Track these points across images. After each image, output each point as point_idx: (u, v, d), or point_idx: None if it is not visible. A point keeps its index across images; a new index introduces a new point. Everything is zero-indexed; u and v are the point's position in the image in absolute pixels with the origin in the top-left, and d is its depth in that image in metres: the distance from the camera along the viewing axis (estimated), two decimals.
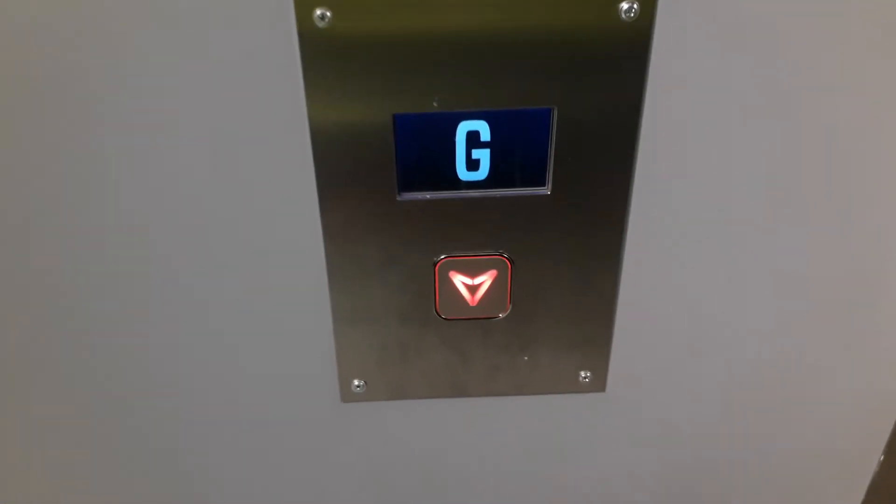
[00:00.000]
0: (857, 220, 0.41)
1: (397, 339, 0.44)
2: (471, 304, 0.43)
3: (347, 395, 0.46)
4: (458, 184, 0.39)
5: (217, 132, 0.37)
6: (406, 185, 0.39)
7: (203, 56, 0.35)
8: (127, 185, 0.38)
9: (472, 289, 0.42)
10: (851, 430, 0.50)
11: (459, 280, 0.42)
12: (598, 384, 0.46)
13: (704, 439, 0.50)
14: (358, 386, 0.46)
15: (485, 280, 0.42)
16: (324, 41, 0.34)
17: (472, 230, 0.40)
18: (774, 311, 0.44)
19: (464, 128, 0.37)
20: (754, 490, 0.52)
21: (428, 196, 0.39)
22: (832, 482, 0.53)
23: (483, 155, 0.38)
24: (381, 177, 0.38)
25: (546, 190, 0.39)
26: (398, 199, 0.39)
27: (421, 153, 0.38)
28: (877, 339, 0.46)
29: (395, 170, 0.38)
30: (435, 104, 0.36)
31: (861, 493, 0.53)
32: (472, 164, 0.38)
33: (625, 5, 0.33)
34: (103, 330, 0.43)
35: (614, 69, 0.35)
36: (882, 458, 0.51)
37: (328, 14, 0.34)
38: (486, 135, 0.37)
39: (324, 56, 0.35)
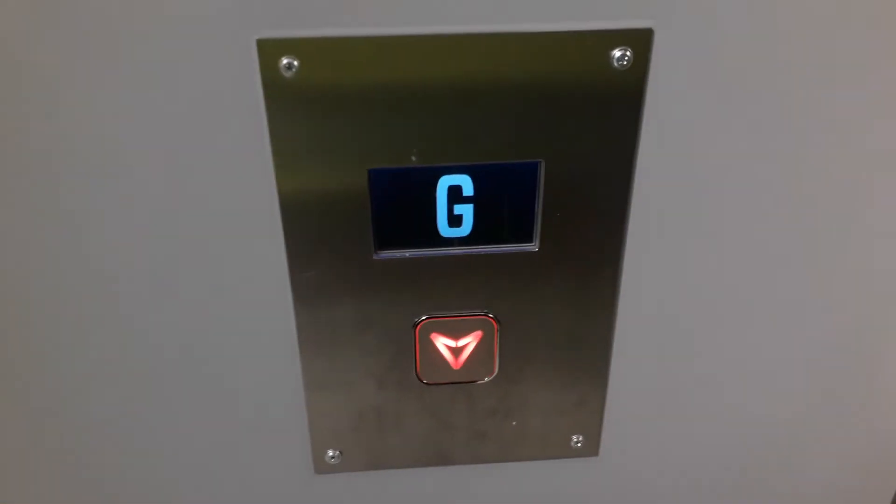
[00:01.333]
0: (863, 277, 0.39)
1: (375, 405, 0.41)
2: (454, 368, 0.40)
3: (321, 467, 0.43)
4: (439, 240, 0.36)
5: (177, 187, 0.34)
6: (383, 243, 0.36)
7: (161, 107, 0.32)
8: (89, 247, 0.35)
9: (456, 351, 0.39)
10: (850, 495, 0.48)
11: (442, 342, 0.39)
12: (591, 448, 0.43)
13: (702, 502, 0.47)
14: (332, 456, 0.42)
15: (469, 342, 0.39)
16: (291, 92, 0.31)
17: (454, 289, 0.37)
18: (773, 374, 0.42)
19: (445, 182, 0.35)
20: None
21: (407, 254, 0.36)
22: None
23: (466, 210, 0.36)
24: (357, 234, 0.35)
25: (534, 246, 0.36)
26: (375, 257, 0.36)
27: (399, 209, 0.35)
28: (877, 402, 0.44)
29: (372, 227, 0.35)
30: (414, 158, 0.33)
31: None
32: (455, 220, 0.36)
33: (617, 53, 0.31)
34: (75, 390, 0.40)
35: (606, 120, 0.33)
36: None
37: (295, 63, 0.31)
38: (469, 189, 0.35)
39: (291, 108, 0.32)
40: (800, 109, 0.34)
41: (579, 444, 0.43)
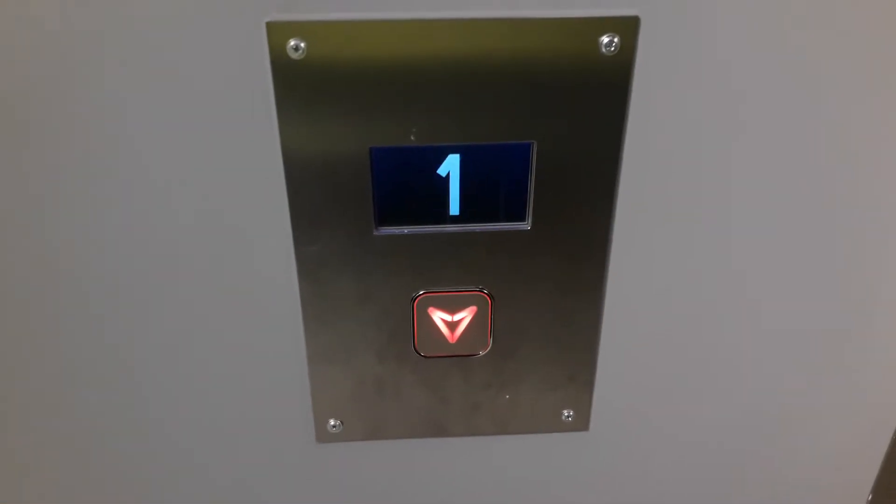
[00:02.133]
0: (854, 263, 0.40)
1: (375, 377, 0.43)
2: (450, 342, 0.42)
3: (323, 435, 0.45)
4: (436, 218, 0.38)
5: (187, 165, 0.36)
6: (383, 220, 0.38)
7: (172, 86, 0.34)
8: (95, 217, 0.37)
9: (452, 325, 0.41)
10: (839, 470, 0.49)
11: (438, 316, 0.41)
12: (581, 423, 0.45)
13: (690, 480, 0.48)
14: (334, 426, 0.44)
15: (465, 316, 0.41)
16: (298, 73, 0.33)
17: (451, 265, 0.39)
18: (761, 352, 0.43)
19: (443, 161, 0.36)
20: None
21: (406, 230, 0.38)
22: None
23: (462, 189, 0.37)
24: (358, 211, 0.37)
25: (526, 225, 0.38)
26: (375, 233, 0.38)
27: (399, 187, 0.37)
28: (863, 380, 0.45)
29: (373, 204, 0.37)
30: (412, 137, 0.35)
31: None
32: (452, 199, 0.38)
33: (605, 39, 0.33)
34: (79, 357, 0.42)
35: (595, 104, 0.34)
36: (871, 497, 0.50)
37: (302, 45, 0.33)
38: (465, 169, 0.37)
39: (298, 88, 0.34)
40: (786, 96, 0.35)
41: (570, 419, 0.44)
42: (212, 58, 0.33)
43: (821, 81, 0.35)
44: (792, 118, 0.36)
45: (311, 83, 0.34)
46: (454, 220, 0.38)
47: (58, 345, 0.41)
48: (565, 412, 0.44)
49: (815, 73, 0.35)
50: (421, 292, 0.40)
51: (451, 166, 0.37)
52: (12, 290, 0.39)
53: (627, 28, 0.33)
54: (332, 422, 0.44)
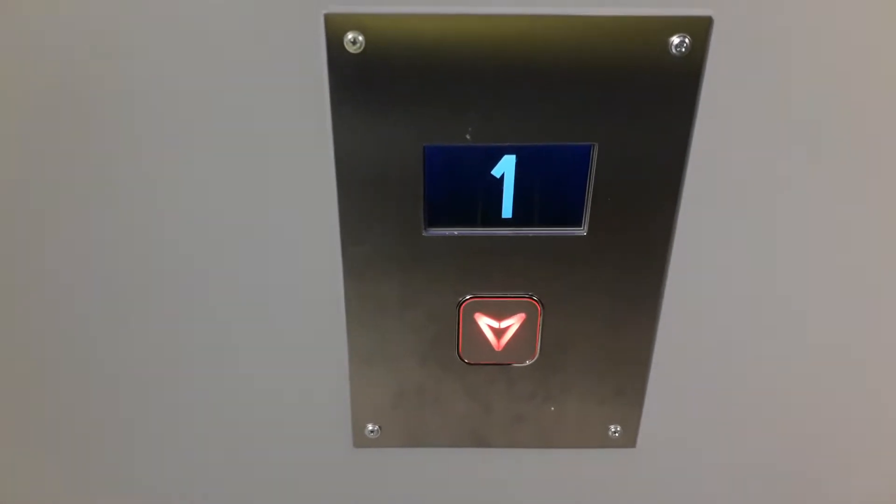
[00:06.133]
0: None
1: (416, 382, 0.42)
2: (496, 349, 0.40)
3: (360, 440, 0.43)
4: (488, 221, 0.37)
5: (237, 160, 0.35)
6: (433, 221, 0.37)
7: (224, 78, 0.33)
8: (145, 214, 0.37)
9: (499, 332, 0.40)
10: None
11: (485, 322, 0.40)
12: (629, 439, 0.43)
13: (738, 502, 0.46)
14: (372, 431, 0.43)
15: (512, 323, 0.40)
16: (354, 67, 0.32)
17: (500, 270, 0.38)
18: (822, 375, 0.41)
19: (498, 162, 0.35)
20: None
21: (456, 232, 0.37)
22: None
23: (517, 191, 0.36)
24: (408, 211, 0.36)
25: (582, 230, 0.36)
26: (424, 234, 0.37)
27: (451, 187, 0.36)
28: None
29: (423, 204, 0.36)
30: (468, 137, 0.34)
31: None
32: (505, 201, 0.36)
33: (676, 39, 0.32)
34: (113, 366, 0.41)
35: (662, 106, 0.33)
36: None
37: (360, 38, 0.32)
38: (521, 170, 0.35)
39: (354, 83, 0.33)
40: (861, 103, 0.33)
41: (617, 435, 0.43)
42: (266, 50, 0.33)
43: None
44: (871, 128, 0.34)
45: (367, 78, 0.33)
46: (507, 223, 0.37)
47: (95, 346, 0.40)
48: (612, 427, 0.43)
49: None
50: (468, 297, 0.39)
51: (506, 167, 0.36)
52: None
53: (699, 28, 0.31)
54: (370, 427, 0.43)
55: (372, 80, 0.33)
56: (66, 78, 0.33)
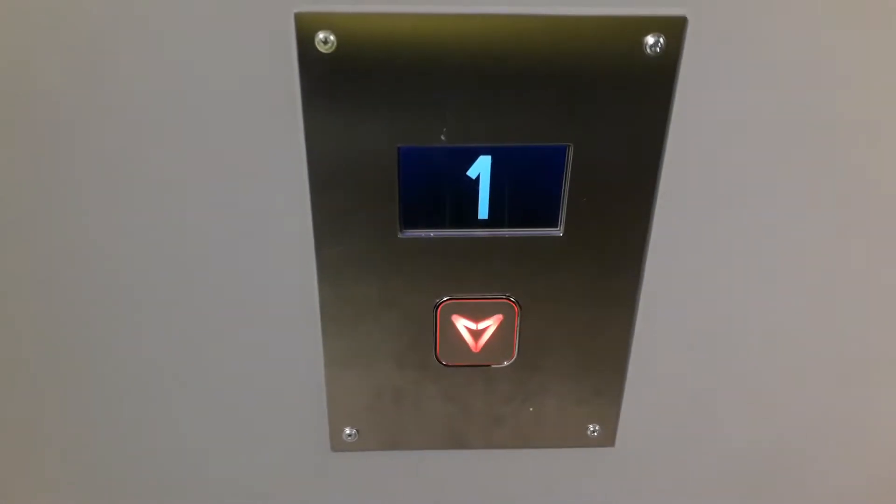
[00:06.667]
0: None
1: (393, 385, 0.41)
2: (473, 350, 0.40)
3: (338, 444, 0.43)
4: (464, 222, 0.36)
5: (206, 161, 0.34)
6: (409, 222, 0.36)
7: (193, 79, 0.32)
8: (114, 217, 0.36)
9: (476, 334, 0.40)
10: (872, 495, 0.47)
11: (462, 324, 0.39)
12: (607, 438, 0.43)
13: (717, 500, 0.47)
14: (349, 434, 0.43)
15: (490, 325, 0.39)
16: (326, 67, 0.32)
17: (477, 271, 0.38)
18: (796, 371, 0.42)
19: (473, 163, 0.35)
20: None
21: (432, 234, 0.37)
22: None
23: (493, 192, 0.36)
24: (383, 213, 0.36)
25: (558, 231, 0.36)
26: (400, 236, 0.36)
27: (426, 189, 0.36)
28: None
29: (398, 206, 0.35)
30: (443, 137, 0.34)
31: None
32: (481, 202, 0.36)
33: (650, 39, 0.31)
34: (91, 359, 0.40)
35: (636, 106, 0.33)
36: None
37: (332, 38, 0.31)
38: (496, 171, 0.35)
39: (325, 83, 0.32)
40: (836, 103, 0.34)
41: (595, 434, 0.43)
42: (236, 49, 0.32)
43: (880, 87, 0.33)
44: (847, 128, 0.34)
45: (339, 78, 0.32)
46: (483, 224, 0.37)
47: (72, 344, 0.40)
48: (591, 427, 0.43)
49: (877, 78, 0.33)
50: (445, 298, 0.38)
51: (481, 168, 0.35)
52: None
53: (674, 28, 0.31)
54: (347, 430, 0.43)
55: (344, 81, 0.32)
56: (28, 73, 0.32)
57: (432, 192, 0.36)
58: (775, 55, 0.32)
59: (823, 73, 0.33)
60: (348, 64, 0.32)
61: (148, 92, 0.33)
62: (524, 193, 0.36)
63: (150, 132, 0.34)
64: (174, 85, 0.32)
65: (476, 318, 0.39)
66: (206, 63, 0.32)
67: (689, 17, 0.31)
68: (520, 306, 0.39)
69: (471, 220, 0.36)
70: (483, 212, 0.36)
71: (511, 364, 0.40)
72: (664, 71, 0.32)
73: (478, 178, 0.35)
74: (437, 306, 0.39)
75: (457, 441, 0.43)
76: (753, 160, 0.35)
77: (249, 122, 0.33)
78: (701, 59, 0.32)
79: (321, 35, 0.31)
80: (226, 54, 0.32)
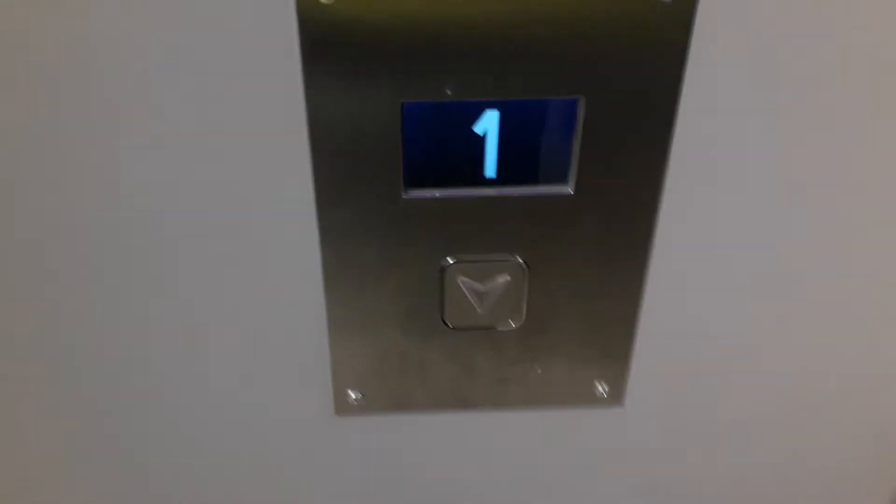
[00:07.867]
0: None
1: (398, 348, 0.41)
2: (480, 312, 0.39)
3: (342, 407, 0.43)
4: (470, 180, 0.35)
5: (204, 120, 0.33)
6: (413, 182, 0.35)
7: (187, 34, 0.31)
8: (108, 182, 0.35)
9: (483, 295, 0.39)
10: (878, 444, 0.47)
11: (469, 286, 0.38)
12: (616, 398, 0.43)
13: (725, 458, 0.47)
14: (354, 398, 0.42)
15: (497, 286, 0.38)
16: (327, 21, 0.30)
17: (484, 231, 0.37)
18: (804, 331, 0.41)
19: (480, 119, 0.34)
20: None
21: (437, 194, 0.35)
22: (856, 493, 0.50)
23: (500, 149, 0.35)
24: (386, 172, 0.34)
25: (568, 189, 0.35)
26: (404, 196, 0.35)
27: (431, 146, 0.34)
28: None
29: (402, 164, 0.34)
30: (448, 92, 0.32)
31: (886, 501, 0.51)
32: (488, 159, 0.35)
33: None
34: (92, 340, 0.40)
35: (651, 56, 0.31)
36: None
37: None
38: (505, 127, 0.34)
39: (326, 37, 0.31)
40: (858, 55, 0.32)
41: (604, 394, 0.42)
42: (231, 8, 0.30)
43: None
44: (870, 83, 0.33)
45: (340, 31, 0.31)
46: (490, 182, 0.35)
47: (73, 319, 0.39)
48: (599, 386, 0.42)
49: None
50: (451, 260, 0.37)
51: (488, 124, 0.34)
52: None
53: None
54: (352, 393, 0.42)
55: (345, 34, 0.31)
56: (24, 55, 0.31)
57: (437, 149, 0.35)
58: (795, 2, 0.31)
59: (852, 26, 0.31)
60: (350, 16, 0.30)
61: (144, 48, 0.31)
62: (533, 150, 0.35)
63: (141, 90, 0.32)
64: (171, 41, 0.31)
65: (483, 279, 0.38)
66: (200, 16, 0.31)
67: None
68: (528, 267, 0.38)
69: (477, 178, 0.35)
70: (490, 170, 0.35)
71: (519, 326, 0.40)
72: (679, 20, 0.31)
73: (485, 134, 0.34)
74: (442, 268, 0.38)
75: (463, 402, 0.43)
76: (771, 115, 0.34)
77: (247, 78, 0.32)
78: (718, 6, 0.31)
79: None
80: (220, 5, 0.30)
